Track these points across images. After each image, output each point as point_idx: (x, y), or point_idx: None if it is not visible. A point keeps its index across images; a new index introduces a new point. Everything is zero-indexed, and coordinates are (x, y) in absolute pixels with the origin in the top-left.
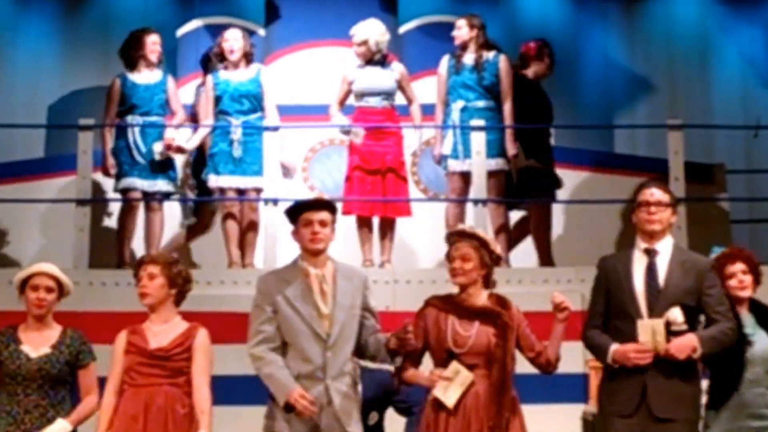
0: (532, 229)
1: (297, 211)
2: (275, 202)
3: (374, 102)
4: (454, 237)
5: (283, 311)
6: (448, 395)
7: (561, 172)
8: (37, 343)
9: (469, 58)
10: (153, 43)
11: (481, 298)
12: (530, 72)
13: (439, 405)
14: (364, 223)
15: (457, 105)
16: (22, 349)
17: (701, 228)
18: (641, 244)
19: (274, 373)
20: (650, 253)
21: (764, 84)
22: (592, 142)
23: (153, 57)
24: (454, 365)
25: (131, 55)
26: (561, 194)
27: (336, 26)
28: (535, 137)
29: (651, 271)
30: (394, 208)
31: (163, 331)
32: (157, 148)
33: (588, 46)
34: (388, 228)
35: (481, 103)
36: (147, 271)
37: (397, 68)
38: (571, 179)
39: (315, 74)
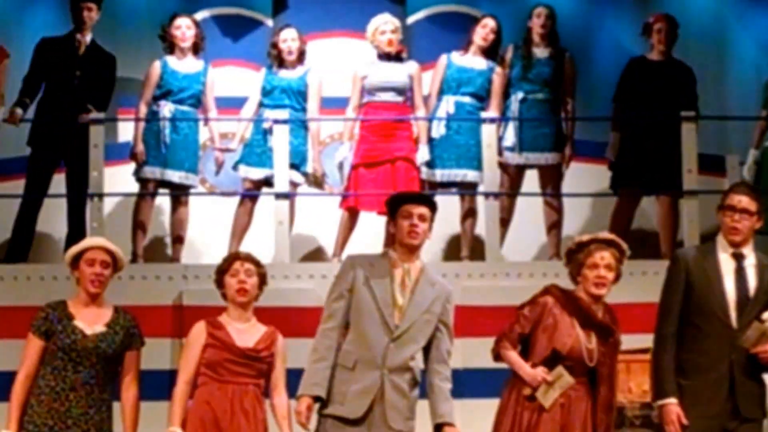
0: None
1: (398, 203)
2: (287, 196)
3: (387, 97)
4: (600, 244)
5: (359, 290)
6: (547, 397)
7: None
8: (91, 321)
9: (540, 51)
10: (178, 28)
11: (600, 308)
12: None
13: (529, 398)
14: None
15: (517, 96)
16: (76, 324)
17: (714, 221)
18: (727, 246)
19: (311, 367)
20: (738, 258)
21: None
22: (606, 134)
23: (183, 43)
24: (559, 369)
25: (166, 38)
26: (571, 188)
27: (344, 17)
28: None
29: (741, 276)
30: None
31: (245, 330)
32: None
33: (601, 35)
34: None
35: (545, 96)
36: (245, 267)
37: (413, 66)
38: (582, 172)
39: (323, 66)
